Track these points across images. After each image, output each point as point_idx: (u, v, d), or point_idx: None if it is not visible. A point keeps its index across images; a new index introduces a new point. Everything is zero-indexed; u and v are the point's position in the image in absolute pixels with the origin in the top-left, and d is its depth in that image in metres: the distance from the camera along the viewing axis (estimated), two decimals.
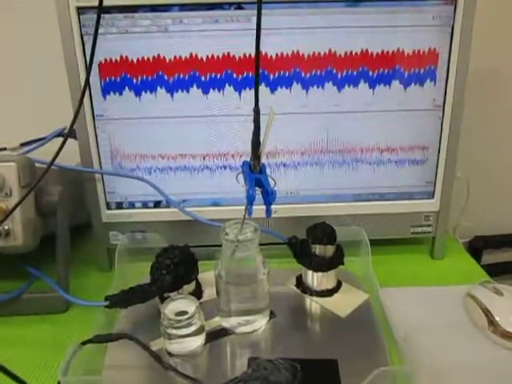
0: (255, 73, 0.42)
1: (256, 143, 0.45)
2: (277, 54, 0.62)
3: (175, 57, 0.62)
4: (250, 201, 0.45)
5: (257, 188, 0.46)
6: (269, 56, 0.62)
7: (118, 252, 0.64)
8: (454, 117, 0.66)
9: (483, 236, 0.98)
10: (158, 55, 0.62)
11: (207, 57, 0.62)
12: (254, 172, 0.46)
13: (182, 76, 0.63)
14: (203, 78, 0.63)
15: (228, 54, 0.62)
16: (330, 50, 0.62)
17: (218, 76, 0.63)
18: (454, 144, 0.67)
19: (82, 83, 0.61)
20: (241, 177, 0.48)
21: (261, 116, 0.44)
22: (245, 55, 0.62)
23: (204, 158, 0.67)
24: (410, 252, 0.75)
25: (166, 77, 0.63)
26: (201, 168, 0.67)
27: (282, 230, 0.68)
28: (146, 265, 0.59)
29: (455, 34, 0.62)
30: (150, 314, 0.57)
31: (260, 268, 0.54)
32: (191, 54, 0.62)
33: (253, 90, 0.43)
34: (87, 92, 0.63)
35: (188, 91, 0.64)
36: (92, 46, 0.44)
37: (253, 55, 0.61)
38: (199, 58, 0.62)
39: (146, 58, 0.62)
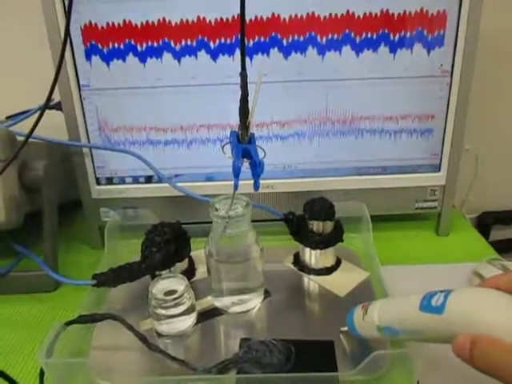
0: (240, 33, 0.38)
1: (244, 111, 0.41)
2: (290, 16, 0.58)
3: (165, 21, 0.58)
4: (236, 173, 0.41)
5: (245, 159, 0.43)
6: (282, 18, 0.58)
7: (108, 229, 0.62)
8: (462, 84, 0.61)
9: (492, 212, 0.95)
10: (149, 20, 0.58)
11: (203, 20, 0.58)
12: (243, 142, 0.43)
13: (160, 44, 0.59)
14: (188, 44, 0.59)
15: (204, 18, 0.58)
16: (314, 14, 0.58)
17: (206, 41, 0.59)
18: (463, 113, 0.63)
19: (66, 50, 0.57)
20: (227, 147, 0.44)
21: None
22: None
23: (197, 130, 0.64)
24: (414, 228, 0.72)
25: (146, 44, 0.59)
26: (193, 141, 0.64)
27: (280, 206, 0.65)
28: (139, 242, 0.57)
29: None
30: (141, 292, 0.55)
31: (252, 245, 0.51)
32: (197, 18, 0.58)
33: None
34: (71, 61, 0.59)
35: (178, 60, 0.60)
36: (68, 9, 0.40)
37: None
38: (206, 21, 0.58)
39: (133, 23, 0.58)
